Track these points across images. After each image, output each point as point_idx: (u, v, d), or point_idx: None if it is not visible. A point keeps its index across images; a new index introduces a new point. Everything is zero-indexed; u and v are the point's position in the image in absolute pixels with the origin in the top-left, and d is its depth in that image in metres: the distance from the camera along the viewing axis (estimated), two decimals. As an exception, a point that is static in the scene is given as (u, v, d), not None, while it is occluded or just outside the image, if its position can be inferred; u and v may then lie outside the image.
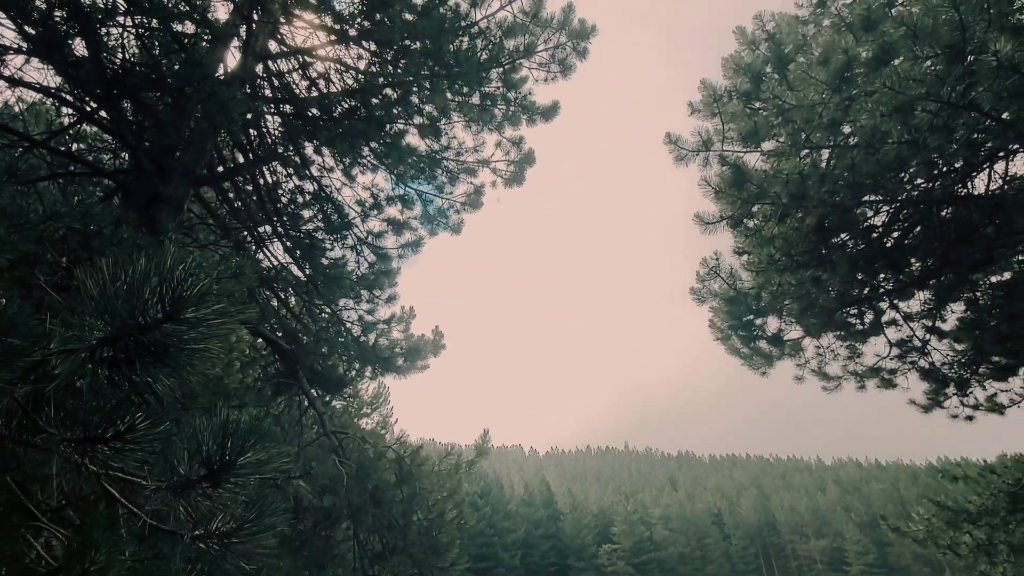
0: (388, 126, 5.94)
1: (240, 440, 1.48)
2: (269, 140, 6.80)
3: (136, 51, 4.62)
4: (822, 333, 6.65)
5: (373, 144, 6.70)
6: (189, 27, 5.07)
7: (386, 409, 10.15)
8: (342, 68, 5.96)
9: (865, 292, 6.52)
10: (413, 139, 6.60)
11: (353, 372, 7.42)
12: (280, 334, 7.06)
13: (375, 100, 5.71)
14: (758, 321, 6.80)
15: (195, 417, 1.45)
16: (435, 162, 6.98)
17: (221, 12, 9.80)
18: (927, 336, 6.75)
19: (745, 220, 6.62)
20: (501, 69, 6.09)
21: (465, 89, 6.02)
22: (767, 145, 6.38)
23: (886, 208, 6.11)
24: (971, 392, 6.66)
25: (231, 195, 7.00)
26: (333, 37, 5.52)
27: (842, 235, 6.13)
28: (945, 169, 5.64)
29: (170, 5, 4.20)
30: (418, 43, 5.27)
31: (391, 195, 7.25)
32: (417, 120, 6.06)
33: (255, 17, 5.40)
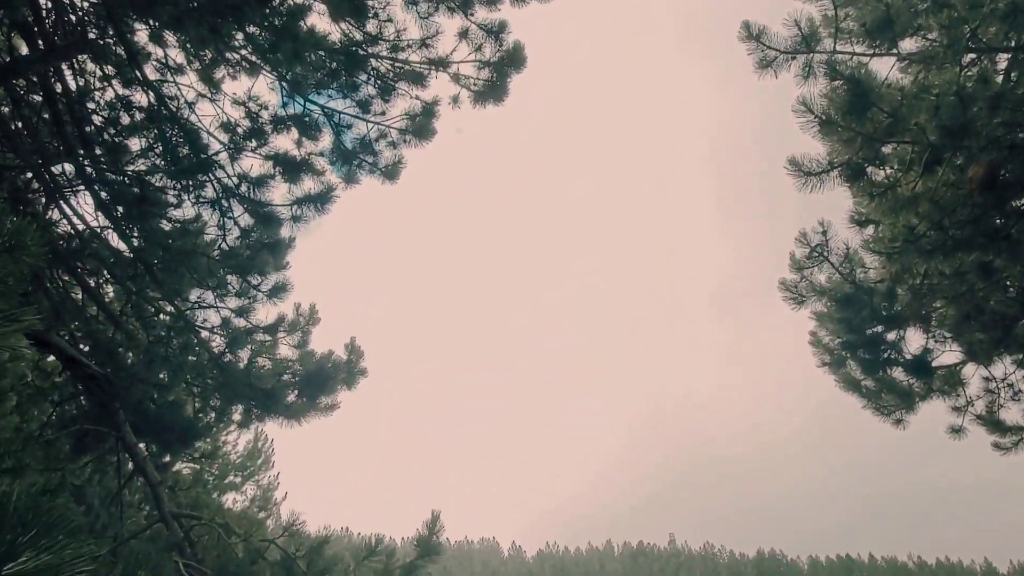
0: (276, -6, 5.79)
1: (11, 532, 1.40)
2: (73, 19, 6.62)
3: None
4: (994, 356, 6.61)
5: (251, 28, 6.60)
6: None
7: (267, 477, 10.21)
8: None
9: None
10: (319, 20, 6.56)
11: (211, 414, 7.36)
12: (87, 348, 6.94)
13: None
14: (890, 335, 6.81)
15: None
16: (357, 61, 6.92)
17: None
18: None
19: (870, 169, 6.57)
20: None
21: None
22: (907, 45, 6.37)
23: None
24: None
25: (6, 110, 6.80)
26: None
27: (1028, 195, 6.10)
28: None
29: None
30: None
31: (281, 115, 7.20)
32: (326, -15, 5.93)
33: None
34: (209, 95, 7.11)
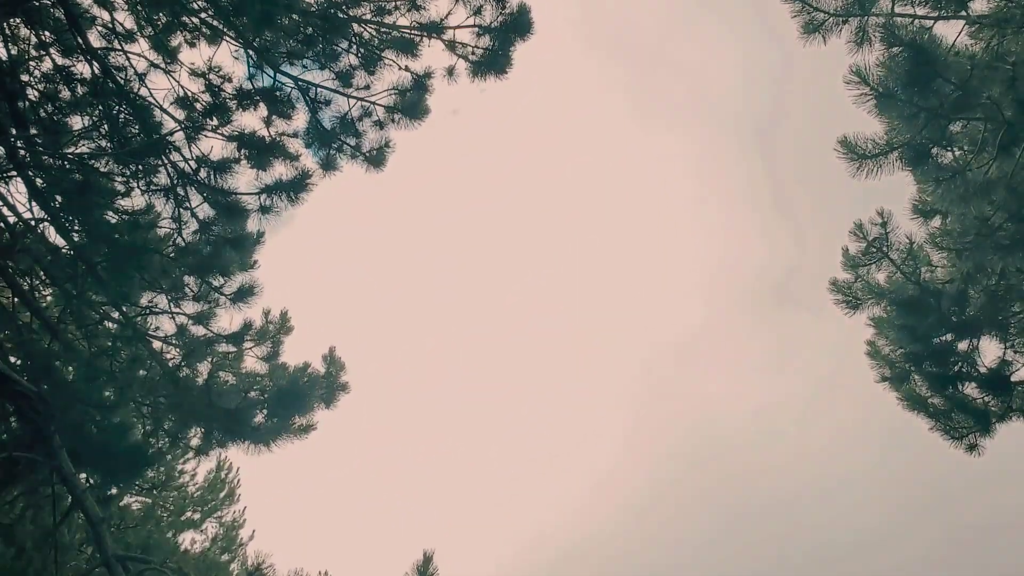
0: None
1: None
2: (3, -26, 6.39)
3: None
4: (1088, 370, 6.15)
5: (212, -15, 6.37)
6: None
7: (232, 512, 9.72)
8: None
9: None
10: (292, -24, 6.27)
11: (164, 439, 7.09)
12: (18, 362, 6.64)
13: None
14: (962, 345, 6.38)
15: None
16: (336, 25, 6.61)
17: None
18: None
19: (935, 150, 6.11)
20: None
21: None
22: (978, 6, 5.92)
23: None
24: None
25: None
26: None
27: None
28: None
29: None
30: None
31: (247, 89, 6.91)
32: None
33: None
34: (163, 66, 6.82)
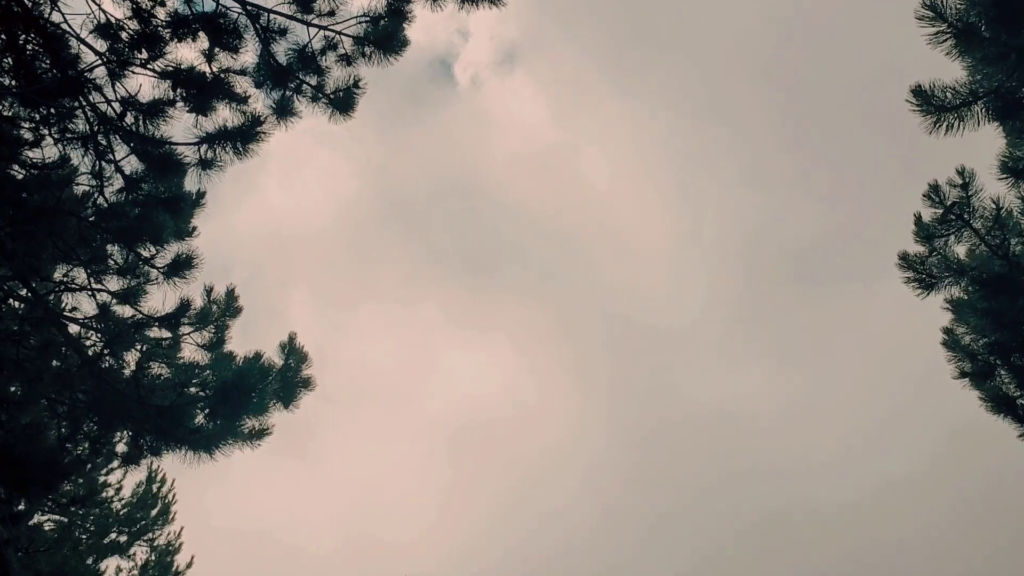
0: None
1: None
2: None
3: None
4: None
5: None
6: None
7: (166, 534, 9.71)
8: None
9: None
10: None
11: (84, 444, 7.12)
12: None
13: None
14: None
15: None
16: None
17: None
18: None
19: None
20: None
21: None
22: None
23: None
24: None
25: None
26: None
27: None
28: None
29: None
30: None
31: (184, 15, 6.68)
32: None
33: None
34: None
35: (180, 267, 6.79)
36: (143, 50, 6.65)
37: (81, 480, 8.06)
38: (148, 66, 6.64)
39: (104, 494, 8.95)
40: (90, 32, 6.58)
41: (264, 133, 6.74)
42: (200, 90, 6.66)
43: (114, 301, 6.75)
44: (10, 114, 6.43)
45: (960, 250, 6.41)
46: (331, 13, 6.80)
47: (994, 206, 6.24)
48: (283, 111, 6.94)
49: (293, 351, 6.68)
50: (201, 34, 6.74)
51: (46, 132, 6.53)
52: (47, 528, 8.14)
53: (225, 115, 6.74)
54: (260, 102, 6.91)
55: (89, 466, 7.53)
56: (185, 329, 6.80)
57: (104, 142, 6.62)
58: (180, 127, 6.69)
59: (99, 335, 6.76)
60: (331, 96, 6.97)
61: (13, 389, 6.62)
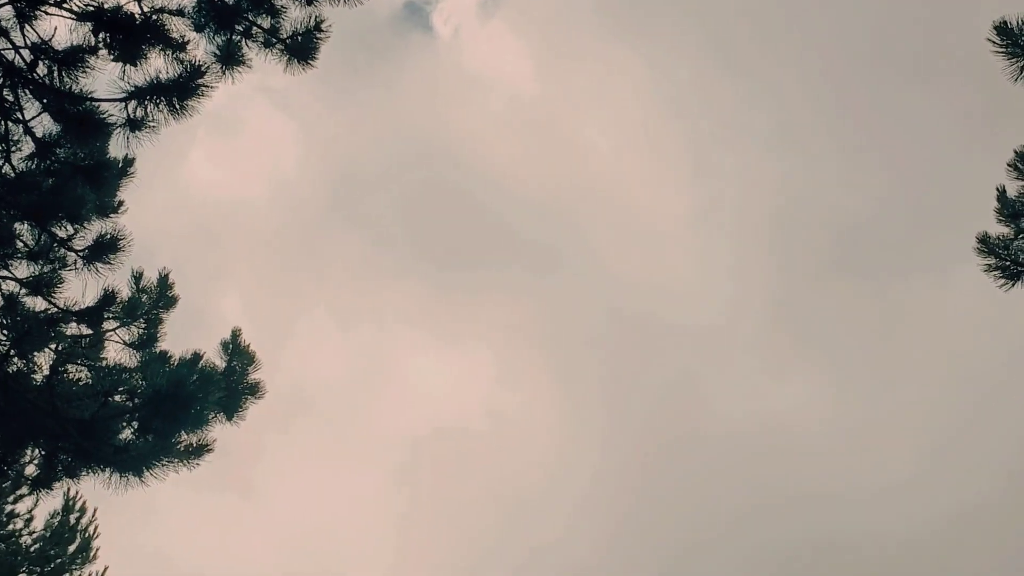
0: None
1: None
2: None
3: None
4: None
5: None
6: None
7: (87, 574, 9.36)
8: None
9: None
10: None
11: None
12: None
13: None
14: None
15: None
16: None
17: None
18: None
19: None
20: None
21: None
22: None
23: None
24: None
25: None
26: None
27: None
28: None
29: None
30: None
31: None
32: None
33: None
34: None
35: (103, 250, 6.64)
36: None
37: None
38: (64, 5, 6.27)
39: (11, 526, 8.71)
40: None
41: (206, 86, 6.50)
42: (128, 34, 6.31)
43: (23, 292, 6.59)
44: None
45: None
46: None
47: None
48: (229, 59, 6.67)
49: (238, 351, 6.70)
50: None
51: (-63, 84, 6.27)
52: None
53: (159, 65, 6.44)
54: (201, 49, 6.65)
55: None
56: (109, 324, 6.67)
57: (11, 97, 6.35)
58: (104, 80, 6.42)
59: (4, 332, 6.51)
60: (287, 41, 6.70)
61: None
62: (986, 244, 6.18)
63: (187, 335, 7.68)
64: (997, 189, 6.09)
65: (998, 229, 6.20)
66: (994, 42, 5.60)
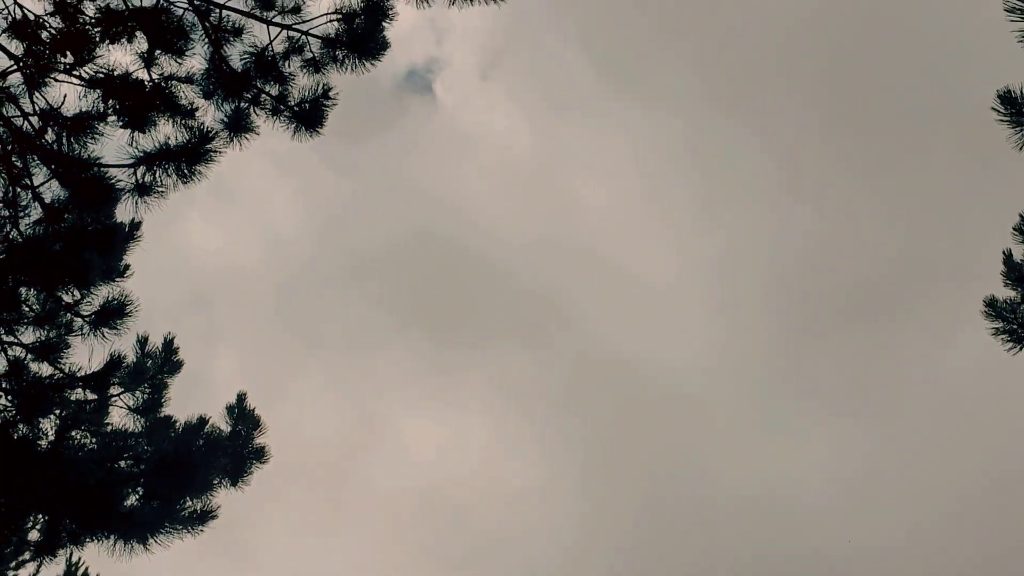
0: None
1: None
2: None
3: None
4: None
5: None
6: None
7: None
8: None
9: None
10: None
11: None
12: None
13: None
14: None
15: None
16: None
17: None
18: None
19: None
20: None
21: None
22: None
23: None
24: None
25: None
26: None
27: None
28: None
29: None
30: None
31: (118, 9, 6.40)
32: None
33: None
34: None
35: (110, 315, 6.69)
36: (67, 52, 6.38)
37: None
38: (74, 72, 6.44)
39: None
40: (3, 31, 6.34)
41: (214, 152, 6.63)
42: (137, 101, 6.49)
43: (29, 357, 6.62)
44: None
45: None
46: (296, 10, 6.69)
47: None
48: (237, 126, 6.81)
49: (243, 415, 6.78)
50: (139, 34, 6.52)
51: None
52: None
53: (167, 131, 6.58)
54: (210, 115, 6.80)
55: (-5, 558, 7.06)
56: (115, 390, 6.76)
57: (19, 163, 6.43)
58: (112, 146, 6.51)
59: (10, 398, 6.54)
60: (296, 108, 6.86)
61: None
62: (993, 308, 6.14)
63: (176, 398, 7.80)
64: (1004, 253, 6.07)
65: (1005, 293, 6.16)
66: (998, 111, 5.56)
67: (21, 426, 6.39)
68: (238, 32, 6.69)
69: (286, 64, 6.88)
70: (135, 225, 6.87)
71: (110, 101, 6.46)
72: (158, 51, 6.62)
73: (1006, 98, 5.51)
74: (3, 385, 6.50)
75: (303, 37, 6.78)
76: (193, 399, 7.24)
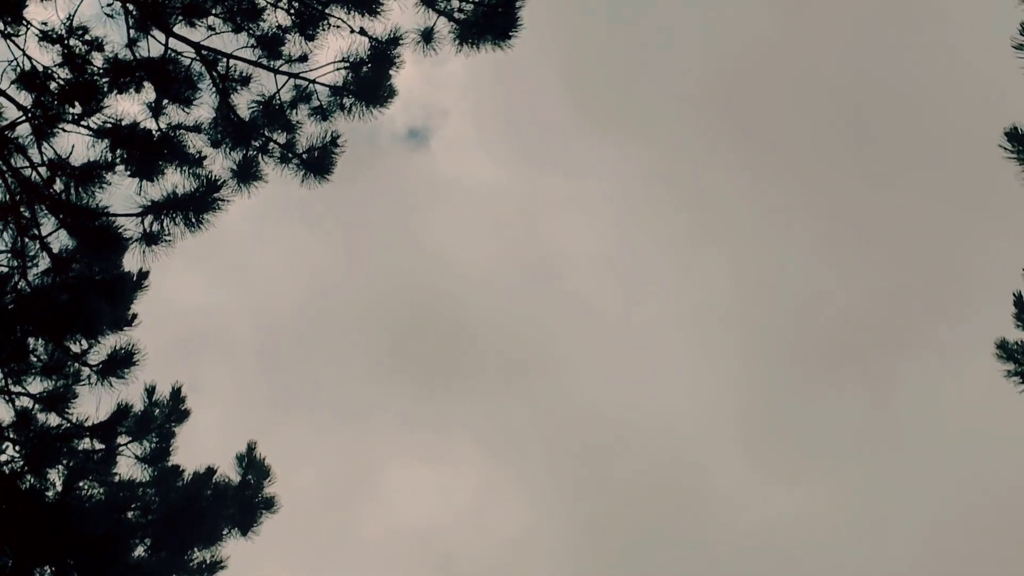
0: None
1: None
2: None
3: None
4: None
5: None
6: None
7: None
8: None
9: None
10: None
11: None
12: None
13: None
14: None
15: None
16: None
17: None
18: None
19: None
20: None
21: None
22: None
23: None
24: None
25: None
26: None
27: None
28: None
29: None
30: None
31: (126, 60, 6.67)
32: None
33: None
34: (1, 26, 6.53)
35: (118, 364, 6.72)
36: (76, 103, 6.55)
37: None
38: (82, 122, 6.55)
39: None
40: (12, 83, 6.51)
41: (222, 200, 6.66)
42: (145, 151, 6.60)
43: (36, 407, 6.63)
44: None
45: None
46: (303, 59, 6.83)
47: None
48: (245, 175, 6.89)
49: (253, 465, 6.71)
50: (146, 84, 6.70)
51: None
52: None
53: (175, 180, 6.66)
54: (218, 164, 6.87)
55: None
56: (123, 439, 6.74)
57: (27, 214, 6.49)
58: (120, 195, 6.59)
59: (17, 448, 6.52)
60: (304, 156, 6.93)
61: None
62: (1005, 350, 6.00)
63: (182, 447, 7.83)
64: (1014, 295, 5.97)
65: (1017, 335, 6.01)
66: (1005, 148, 5.47)
67: (29, 477, 6.37)
68: (245, 81, 6.83)
69: (293, 112, 7.01)
70: (143, 274, 6.86)
71: (118, 151, 6.54)
72: (166, 101, 6.77)
73: (1013, 135, 5.43)
74: (11, 436, 6.49)
75: (310, 85, 6.91)
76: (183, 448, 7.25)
